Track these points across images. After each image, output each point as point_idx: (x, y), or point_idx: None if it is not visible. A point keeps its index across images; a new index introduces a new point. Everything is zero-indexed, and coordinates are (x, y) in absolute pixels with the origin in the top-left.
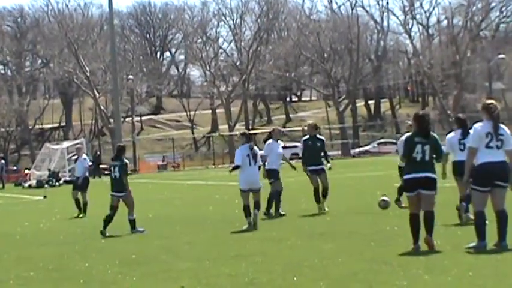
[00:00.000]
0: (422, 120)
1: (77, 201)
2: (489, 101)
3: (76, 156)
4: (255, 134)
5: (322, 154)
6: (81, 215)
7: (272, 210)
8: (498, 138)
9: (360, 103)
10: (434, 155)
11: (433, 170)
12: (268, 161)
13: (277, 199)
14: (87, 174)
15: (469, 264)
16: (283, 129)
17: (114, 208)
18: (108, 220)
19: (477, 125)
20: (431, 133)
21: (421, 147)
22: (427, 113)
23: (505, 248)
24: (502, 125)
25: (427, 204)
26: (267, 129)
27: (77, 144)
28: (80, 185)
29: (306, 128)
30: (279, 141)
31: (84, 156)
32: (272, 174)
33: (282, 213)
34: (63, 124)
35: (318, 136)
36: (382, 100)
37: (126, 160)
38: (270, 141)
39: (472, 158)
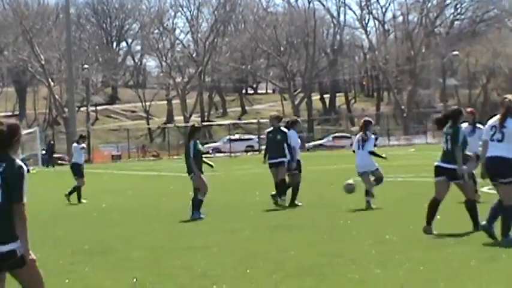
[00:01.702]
0: (447, 112)
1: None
2: (506, 95)
3: (78, 144)
4: (211, 125)
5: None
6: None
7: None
8: (500, 131)
9: (316, 97)
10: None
11: (450, 160)
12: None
13: (296, 190)
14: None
15: (420, 259)
16: (240, 121)
17: (194, 190)
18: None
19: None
20: (457, 124)
21: (445, 137)
22: (457, 108)
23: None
24: None
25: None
26: (222, 122)
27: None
28: (81, 171)
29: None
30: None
31: (82, 144)
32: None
33: (300, 204)
34: (16, 113)
35: (282, 128)
36: (338, 94)
37: (191, 142)
38: (289, 131)
39: (484, 151)
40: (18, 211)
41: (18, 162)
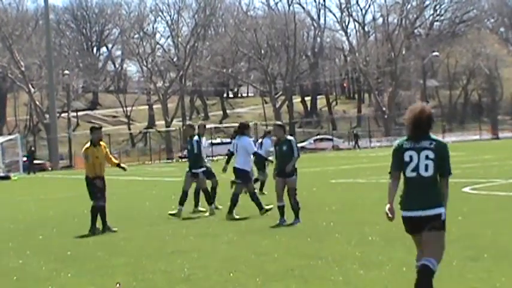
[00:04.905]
0: None
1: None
2: None
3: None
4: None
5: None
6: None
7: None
8: None
9: (297, 99)
10: None
11: None
12: None
13: None
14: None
15: (402, 259)
16: (220, 125)
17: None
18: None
19: None
20: None
21: None
22: None
23: None
24: None
25: None
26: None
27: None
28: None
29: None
30: None
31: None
32: None
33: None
34: None
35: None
36: (319, 97)
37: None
38: None
39: None
40: (446, 183)
41: (442, 140)
